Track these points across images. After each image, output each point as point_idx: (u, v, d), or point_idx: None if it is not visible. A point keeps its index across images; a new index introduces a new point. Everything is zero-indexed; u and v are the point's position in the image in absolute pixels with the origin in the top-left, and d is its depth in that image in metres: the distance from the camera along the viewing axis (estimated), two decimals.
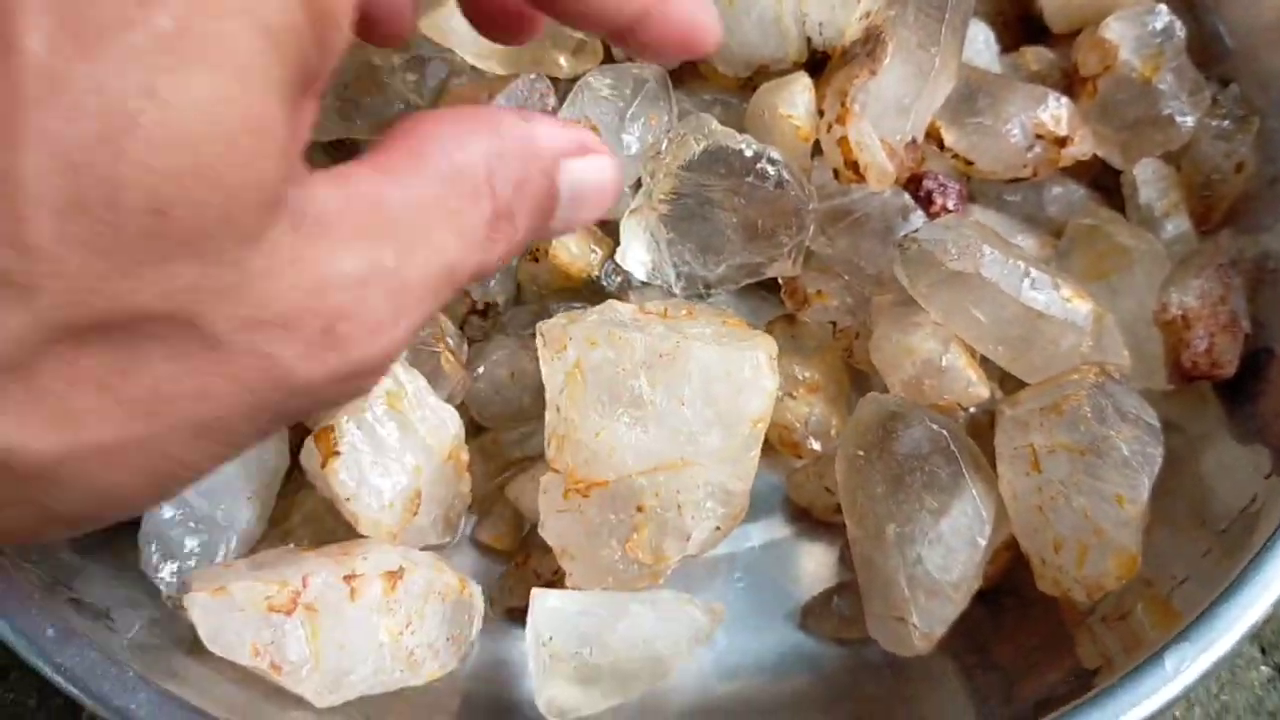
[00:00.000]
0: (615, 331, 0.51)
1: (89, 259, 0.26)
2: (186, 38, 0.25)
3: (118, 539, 0.51)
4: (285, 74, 0.28)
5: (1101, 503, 0.50)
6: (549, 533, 0.52)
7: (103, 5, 0.24)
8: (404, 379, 0.52)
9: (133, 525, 0.52)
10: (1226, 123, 0.64)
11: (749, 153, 0.56)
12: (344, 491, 0.49)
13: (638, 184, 0.59)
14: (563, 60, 0.64)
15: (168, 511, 0.51)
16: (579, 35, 0.63)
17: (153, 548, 0.51)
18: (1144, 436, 0.51)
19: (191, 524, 0.52)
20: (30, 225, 0.25)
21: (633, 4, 0.39)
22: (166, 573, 0.51)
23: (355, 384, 0.33)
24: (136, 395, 0.29)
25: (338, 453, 0.49)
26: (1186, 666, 0.46)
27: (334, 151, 0.64)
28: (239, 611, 0.46)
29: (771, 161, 0.56)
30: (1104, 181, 0.68)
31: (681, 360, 0.51)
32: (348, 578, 0.47)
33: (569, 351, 0.51)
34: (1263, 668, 0.71)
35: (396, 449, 0.51)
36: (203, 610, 0.46)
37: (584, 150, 0.38)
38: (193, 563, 0.52)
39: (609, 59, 0.65)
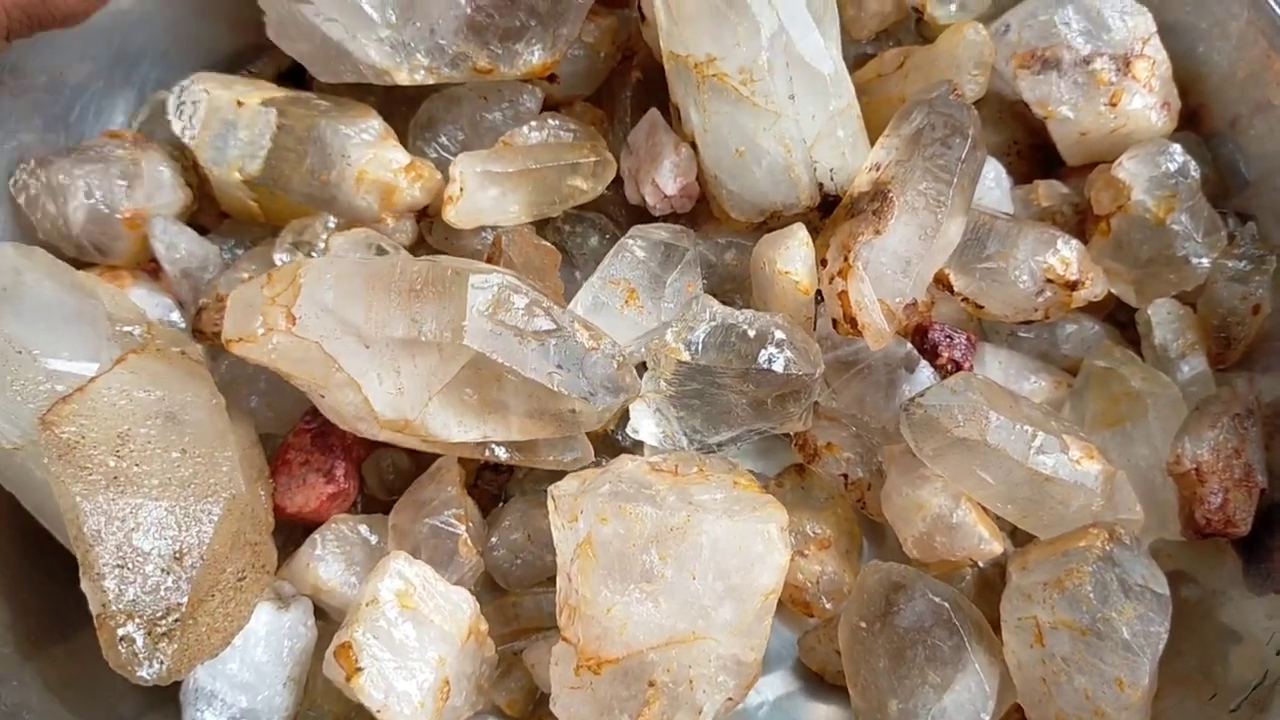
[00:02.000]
0: (626, 506, 0.52)
1: None
2: None
3: None
4: None
5: (1103, 685, 0.51)
6: (560, 709, 0.53)
7: None
8: (410, 574, 0.54)
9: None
10: (1243, 264, 0.63)
11: (753, 333, 0.57)
12: (374, 705, 0.51)
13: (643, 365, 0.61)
14: (584, 185, 0.66)
15: (211, 718, 0.54)
16: (590, 159, 0.65)
17: None
18: (1149, 613, 0.51)
19: None
20: None
21: None
22: None
23: None
24: None
25: (360, 669, 0.50)
26: None
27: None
28: None
29: (777, 344, 0.57)
30: (1121, 316, 0.68)
31: (693, 534, 0.52)
32: None
33: (580, 524, 0.53)
34: None
35: (416, 647, 0.52)
36: None
37: None
38: None
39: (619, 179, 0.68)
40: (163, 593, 0.48)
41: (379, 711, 0.50)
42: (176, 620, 0.48)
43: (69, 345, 0.53)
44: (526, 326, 0.53)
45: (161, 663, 0.48)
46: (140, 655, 0.47)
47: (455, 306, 0.52)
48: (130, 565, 0.48)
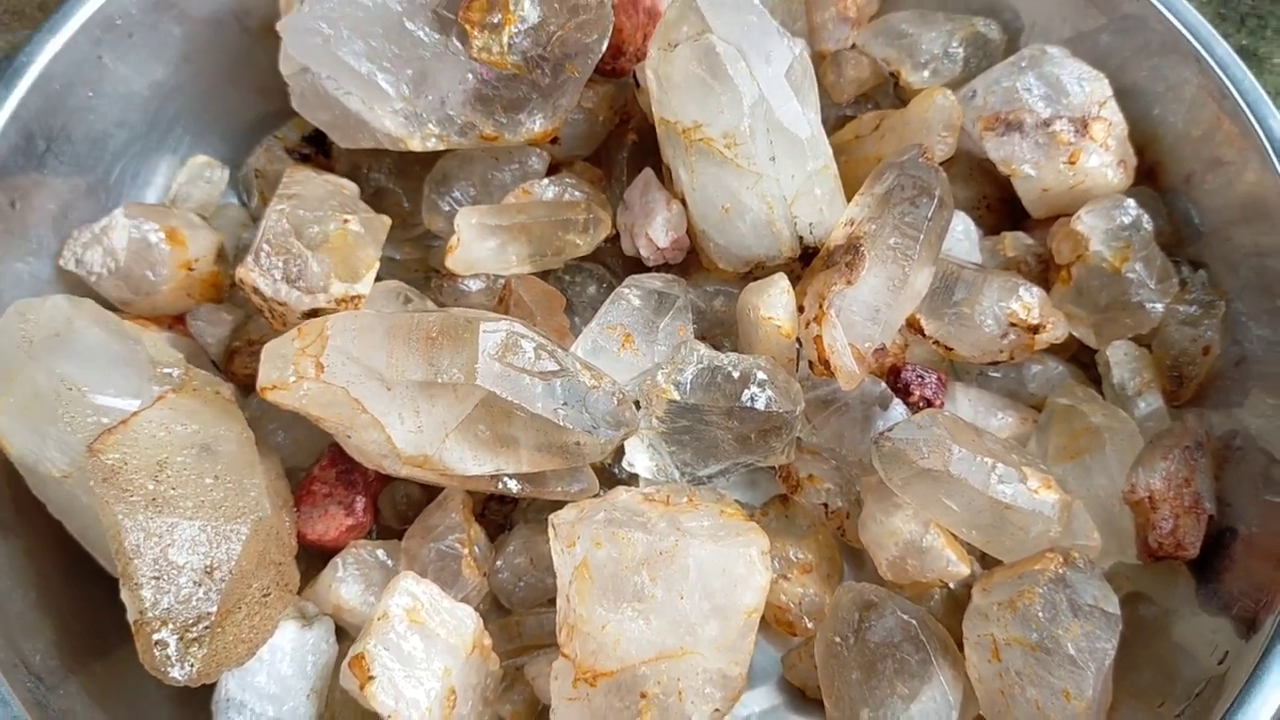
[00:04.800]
0: (619, 532, 0.57)
1: None
2: None
3: None
4: None
5: (1051, 696, 0.55)
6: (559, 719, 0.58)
7: None
8: (418, 591, 0.58)
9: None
10: (1194, 308, 0.68)
11: (736, 374, 0.62)
12: (385, 710, 0.55)
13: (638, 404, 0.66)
14: (578, 240, 0.71)
15: None
16: (582, 216, 0.71)
17: None
18: (1096, 630, 0.56)
19: None
20: None
21: None
22: None
23: None
24: None
25: (372, 677, 0.55)
26: None
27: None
28: None
29: (759, 384, 0.62)
30: (1083, 357, 0.73)
31: (680, 557, 0.57)
32: None
33: (577, 549, 0.58)
34: None
35: (424, 658, 0.57)
36: None
37: None
38: None
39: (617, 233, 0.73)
40: (194, 602, 0.53)
41: (390, 717, 0.55)
42: (206, 628, 0.53)
43: (114, 383, 0.58)
44: (533, 367, 0.58)
45: (192, 665, 0.53)
46: (173, 658, 0.53)
47: (468, 351, 0.57)
48: (165, 577, 0.53)
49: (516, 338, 0.58)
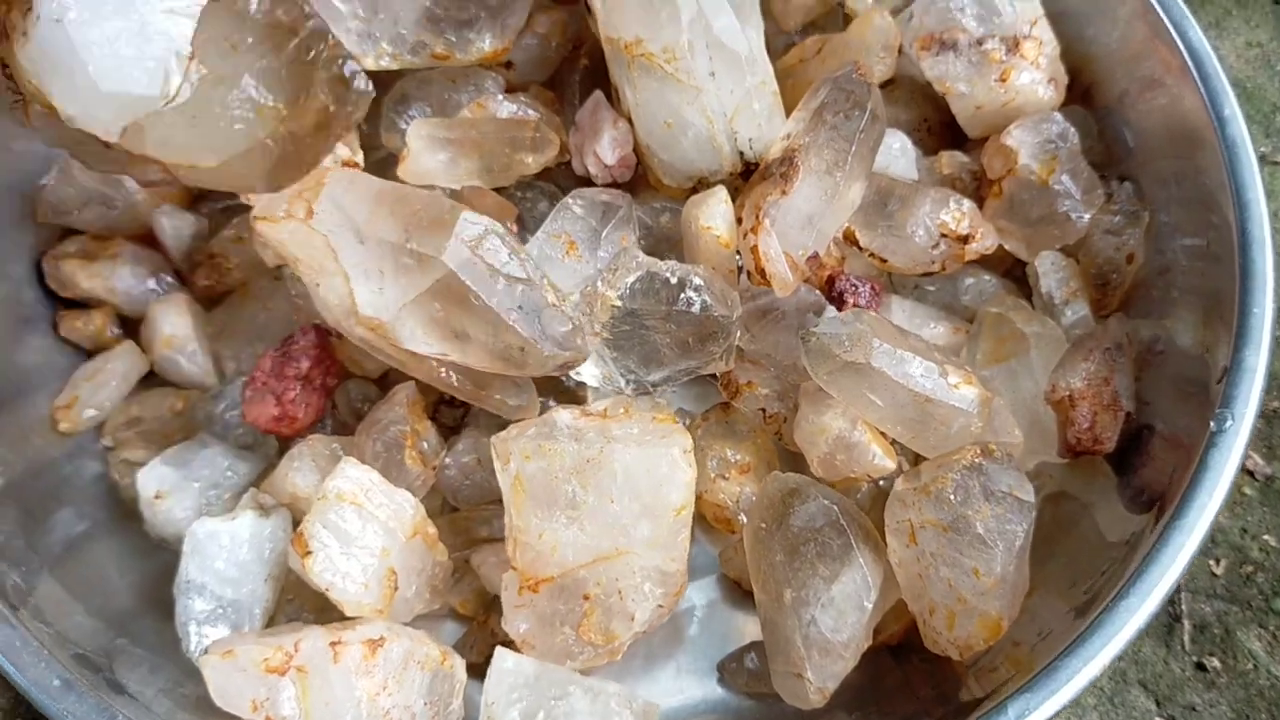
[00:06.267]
0: (545, 444, 0.60)
1: None
2: None
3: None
4: None
5: (962, 575, 0.58)
6: (510, 626, 0.60)
7: None
8: (357, 475, 0.61)
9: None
10: (1118, 219, 0.71)
11: (674, 280, 0.64)
12: (323, 583, 0.59)
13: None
14: (527, 158, 0.74)
15: (200, 605, 0.62)
16: (530, 134, 0.73)
17: (192, 636, 0.62)
18: (1007, 514, 0.58)
19: (220, 610, 0.62)
20: None
21: None
22: (198, 650, 0.61)
23: None
24: None
25: (310, 552, 0.58)
26: (1028, 716, 0.54)
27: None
28: (241, 672, 0.55)
29: (695, 288, 0.64)
30: (1017, 272, 0.76)
31: (606, 463, 0.60)
32: (333, 644, 0.56)
33: (511, 464, 0.60)
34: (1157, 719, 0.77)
35: (359, 536, 0.60)
36: (213, 670, 0.55)
37: None
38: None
39: (563, 149, 0.75)
40: None
41: (328, 590, 0.58)
42: None
43: None
44: (500, 267, 0.59)
45: None
46: None
47: (444, 230, 0.58)
48: None
49: (495, 237, 0.60)
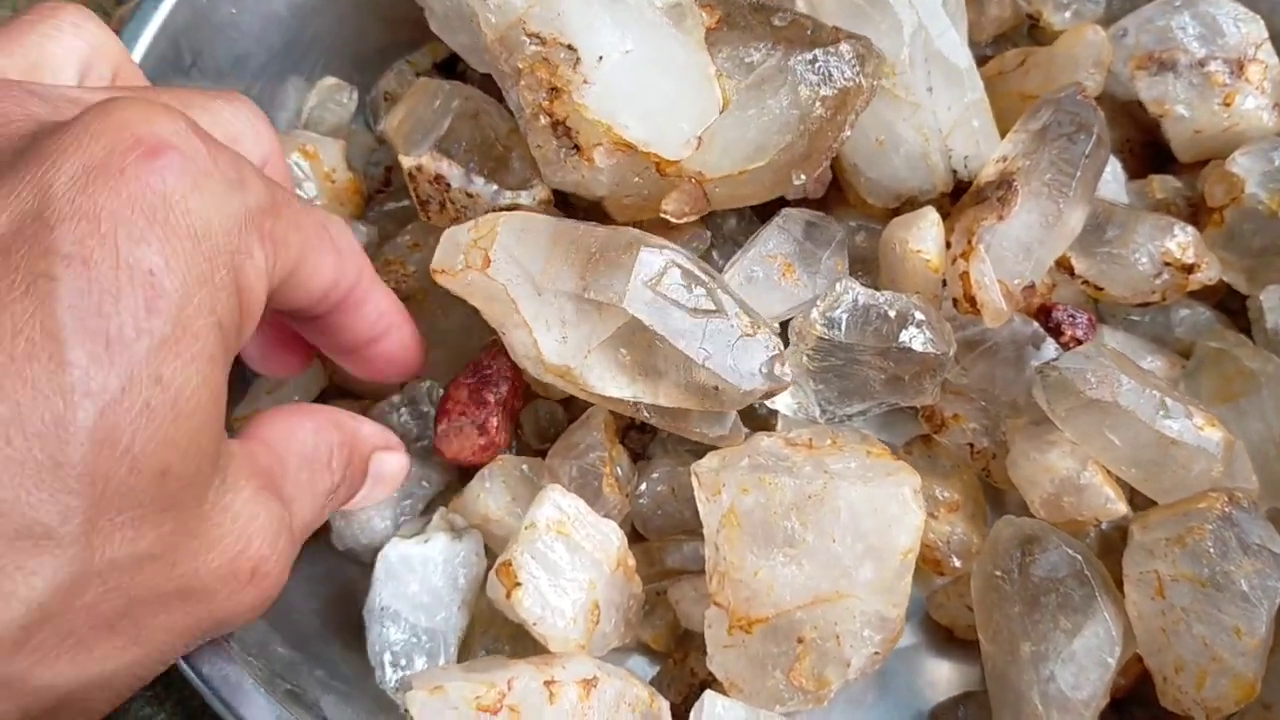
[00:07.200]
0: (765, 477, 0.56)
1: (112, 516, 0.34)
2: (178, 338, 0.35)
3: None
4: (228, 354, 0.38)
5: (1220, 633, 0.54)
6: (716, 666, 0.57)
7: (123, 320, 0.33)
8: (564, 504, 0.58)
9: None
10: None
11: (893, 314, 0.61)
12: (530, 618, 0.55)
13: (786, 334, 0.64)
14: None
15: (395, 634, 0.59)
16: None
17: (387, 667, 0.58)
18: (1266, 569, 0.54)
19: (415, 640, 0.59)
20: (70, 494, 0.32)
21: (365, 334, 0.54)
22: (394, 681, 0.58)
23: (259, 610, 0.43)
24: (130, 631, 0.36)
25: (519, 584, 0.55)
26: None
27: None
28: (453, 709, 0.51)
29: (917, 325, 0.61)
30: (1230, 304, 0.72)
31: (830, 500, 0.56)
32: (548, 683, 0.53)
33: (723, 497, 0.57)
34: None
35: (569, 569, 0.57)
36: (420, 707, 0.52)
37: (389, 447, 0.55)
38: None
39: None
40: None
41: (535, 624, 0.55)
42: None
43: None
44: (687, 302, 0.56)
45: None
46: None
47: (622, 273, 0.55)
48: None
49: (676, 269, 0.56)
